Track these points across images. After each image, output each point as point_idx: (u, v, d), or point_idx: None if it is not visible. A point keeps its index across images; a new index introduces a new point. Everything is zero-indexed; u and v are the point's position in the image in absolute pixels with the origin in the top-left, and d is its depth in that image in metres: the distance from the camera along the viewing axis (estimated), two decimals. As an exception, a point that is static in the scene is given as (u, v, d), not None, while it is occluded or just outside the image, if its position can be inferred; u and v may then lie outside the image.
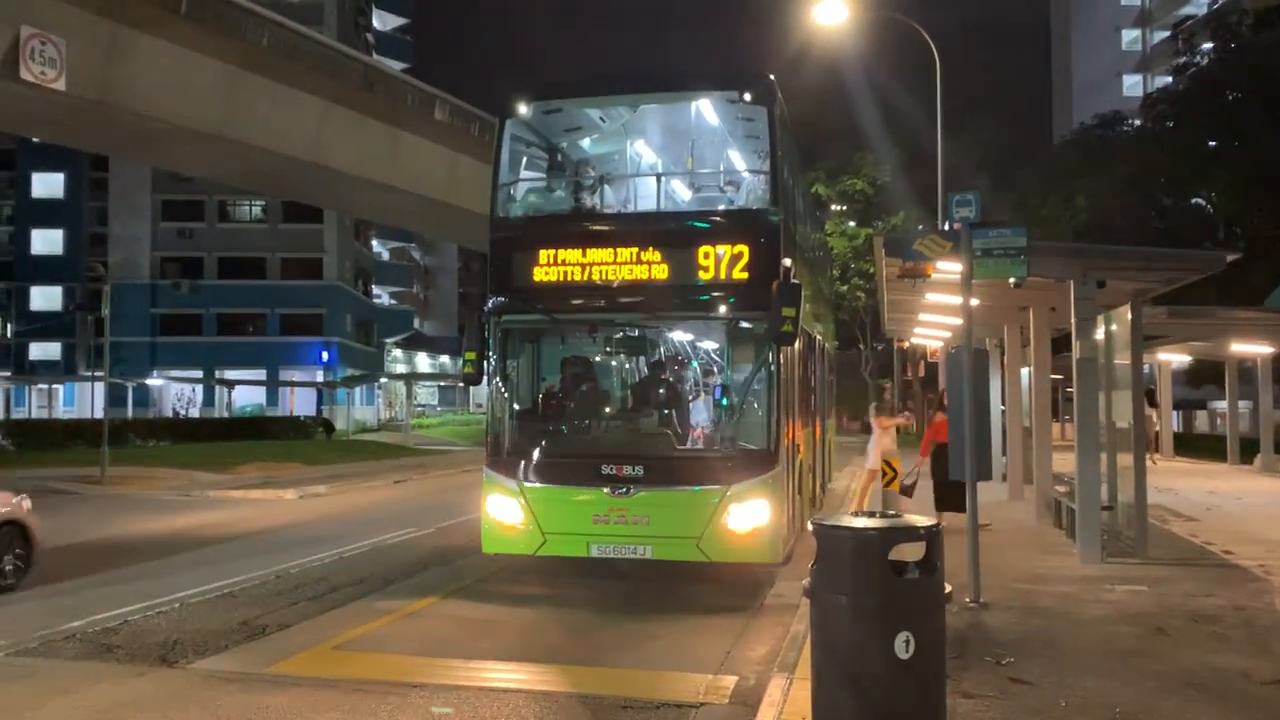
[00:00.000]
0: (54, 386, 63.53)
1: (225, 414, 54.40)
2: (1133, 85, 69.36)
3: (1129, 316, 11.00)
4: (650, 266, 9.89)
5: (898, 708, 4.80)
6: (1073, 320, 10.86)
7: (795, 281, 9.71)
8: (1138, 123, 43.20)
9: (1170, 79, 44.68)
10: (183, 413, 56.20)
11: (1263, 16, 37.93)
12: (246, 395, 60.35)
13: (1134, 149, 39.14)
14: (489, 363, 10.31)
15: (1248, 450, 24.88)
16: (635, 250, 9.90)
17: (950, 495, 12.38)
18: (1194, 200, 39.59)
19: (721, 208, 11.25)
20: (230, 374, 59.37)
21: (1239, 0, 46.24)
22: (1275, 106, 33.05)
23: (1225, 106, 36.24)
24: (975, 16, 58.14)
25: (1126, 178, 36.83)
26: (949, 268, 9.43)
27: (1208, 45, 40.67)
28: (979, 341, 17.34)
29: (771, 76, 10.46)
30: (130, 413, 51.07)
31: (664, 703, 6.52)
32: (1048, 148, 50.27)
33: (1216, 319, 18.56)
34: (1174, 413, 35.72)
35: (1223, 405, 34.47)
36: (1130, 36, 74.22)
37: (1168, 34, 54.13)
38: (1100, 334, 11.55)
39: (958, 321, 13.64)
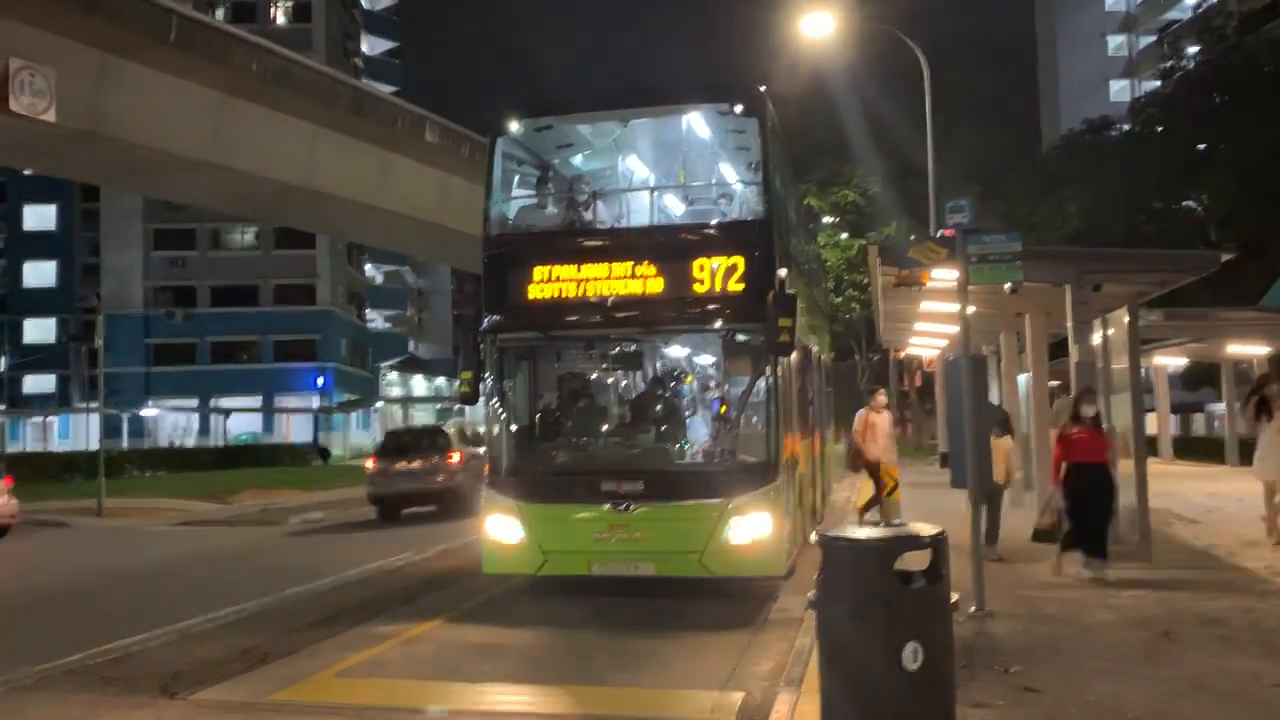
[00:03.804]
0: (49, 419, 63.27)
1: (221, 443, 54.24)
2: (1120, 90, 69.70)
3: (1125, 319, 10.99)
4: (645, 281, 9.85)
5: (908, 719, 4.74)
6: (1069, 324, 10.85)
7: (791, 292, 9.69)
8: (1126, 127, 43.35)
9: (1158, 83, 44.88)
10: (178, 442, 55.99)
11: (1249, 19, 38.15)
12: (242, 423, 60.16)
13: (1123, 153, 39.25)
14: (485, 382, 10.26)
15: (1246, 452, 24.79)
16: (630, 265, 9.87)
17: (1092, 536, 10.12)
18: (1185, 203, 39.68)
19: (715, 220, 11.21)
20: (225, 402, 59.20)
21: (1224, 3, 46.54)
22: (1263, 107, 33.16)
23: (1213, 108, 36.36)
24: (961, 27, 58.42)
25: (1117, 182, 36.89)
26: (944, 275, 9.40)
27: (1194, 49, 40.85)
28: (975, 348, 17.35)
29: (762, 88, 10.46)
30: (126, 443, 50.88)
31: (671, 721, 6.46)
32: (1037, 156, 50.37)
33: (1212, 320, 18.55)
34: (1172, 416, 35.67)
35: (1220, 408, 34.46)
36: (1116, 42, 74.65)
37: (1153, 39, 54.49)
38: (1097, 338, 11.54)
39: (954, 329, 13.62)
